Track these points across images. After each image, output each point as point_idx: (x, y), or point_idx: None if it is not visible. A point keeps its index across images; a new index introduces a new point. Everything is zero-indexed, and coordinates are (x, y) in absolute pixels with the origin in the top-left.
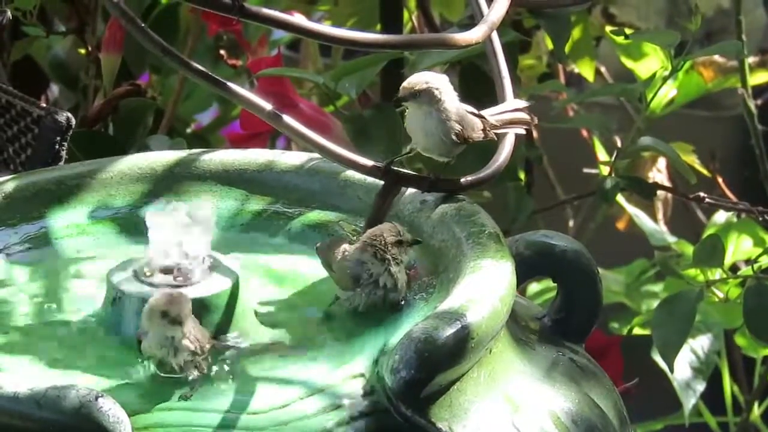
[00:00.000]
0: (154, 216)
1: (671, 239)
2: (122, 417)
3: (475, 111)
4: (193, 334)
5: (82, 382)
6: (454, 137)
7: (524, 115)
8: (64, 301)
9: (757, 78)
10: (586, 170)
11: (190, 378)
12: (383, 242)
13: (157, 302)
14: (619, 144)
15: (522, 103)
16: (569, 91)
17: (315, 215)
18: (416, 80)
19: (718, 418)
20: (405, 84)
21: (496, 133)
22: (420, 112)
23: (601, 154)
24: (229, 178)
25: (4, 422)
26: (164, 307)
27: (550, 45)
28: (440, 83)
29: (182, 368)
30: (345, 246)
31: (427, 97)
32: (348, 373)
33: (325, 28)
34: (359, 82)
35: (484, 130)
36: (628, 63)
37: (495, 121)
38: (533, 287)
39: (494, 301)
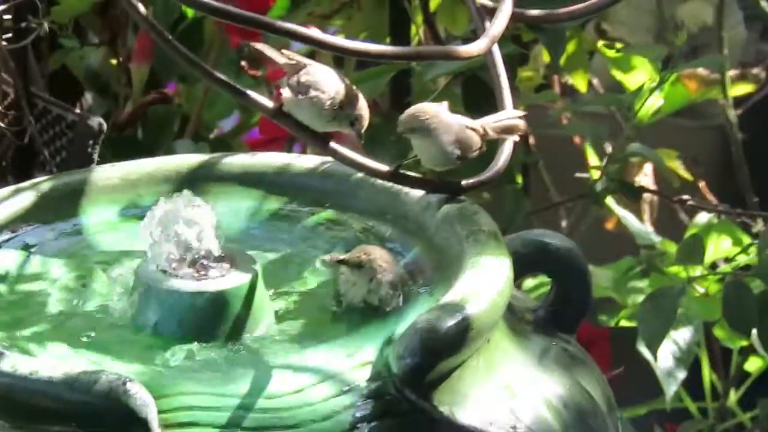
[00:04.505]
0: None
1: (656, 239)
2: (148, 400)
3: (473, 124)
4: (388, 274)
5: (111, 368)
6: (454, 159)
7: (520, 123)
8: (96, 292)
9: (737, 90)
10: (578, 174)
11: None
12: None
13: (352, 256)
14: (609, 150)
15: (518, 113)
16: (564, 101)
17: (327, 214)
18: (412, 116)
19: (698, 403)
20: (403, 119)
21: (495, 140)
22: (420, 143)
23: (593, 160)
24: (248, 180)
25: (40, 404)
26: (360, 260)
27: (546, 58)
28: (436, 114)
29: (384, 302)
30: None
31: (424, 131)
32: (357, 360)
33: (339, 40)
34: (370, 90)
35: (480, 146)
36: (619, 75)
37: (493, 128)
38: (529, 282)
39: (493, 294)
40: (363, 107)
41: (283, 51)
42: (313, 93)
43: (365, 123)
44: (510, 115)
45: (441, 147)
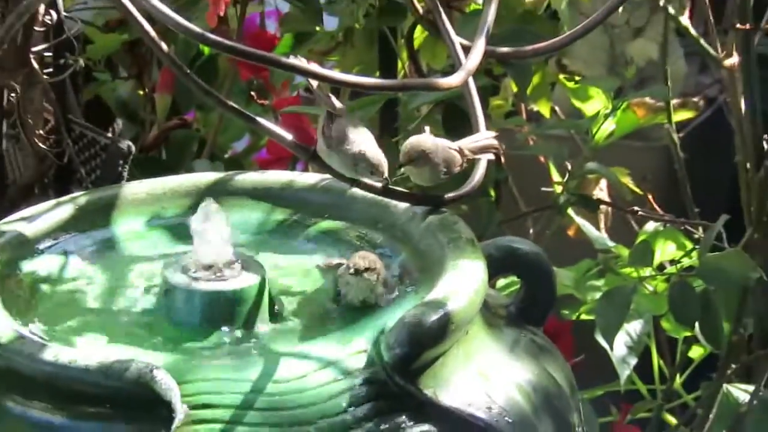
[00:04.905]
0: (197, 223)
1: (611, 244)
2: (172, 385)
3: (453, 145)
4: (381, 276)
5: (140, 357)
6: (441, 177)
7: (494, 143)
8: (126, 291)
9: (679, 116)
10: (543, 189)
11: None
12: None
13: (353, 262)
14: (569, 168)
15: (491, 134)
16: (530, 126)
17: (326, 224)
18: (412, 148)
19: (648, 386)
20: (404, 152)
21: (471, 159)
22: (418, 170)
23: (556, 176)
24: (257, 194)
25: (78, 389)
26: (359, 265)
27: (514, 88)
28: (431, 145)
29: (377, 300)
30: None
31: (423, 160)
32: (354, 349)
33: (336, 74)
34: (362, 117)
35: (461, 164)
36: (577, 103)
37: (470, 149)
38: (501, 282)
39: (470, 293)
40: (382, 159)
41: (327, 94)
42: (343, 147)
43: (384, 171)
44: (484, 136)
45: (434, 171)
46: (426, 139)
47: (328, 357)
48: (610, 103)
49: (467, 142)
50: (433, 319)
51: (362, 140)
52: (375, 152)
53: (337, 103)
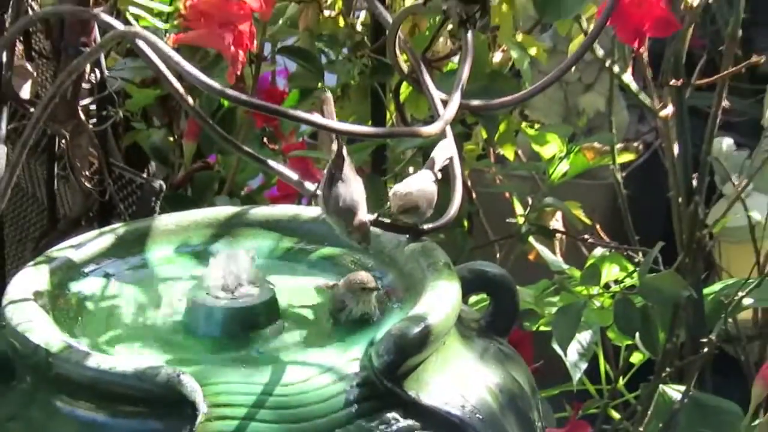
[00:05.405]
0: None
1: (565, 267)
2: (197, 388)
3: (431, 177)
4: (373, 294)
5: (168, 364)
6: (425, 217)
7: (449, 153)
8: (157, 308)
9: (621, 158)
10: (508, 220)
11: (376, 317)
12: (358, 284)
13: (360, 279)
14: (530, 202)
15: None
16: (497, 167)
17: (327, 250)
18: (405, 201)
19: (596, 386)
20: (398, 204)
21: (448, 194)
22: (407, 216)
23: (519, 209)
24: (269, 225)
25: (117, 391)
26: (360, 283)
27: (484, 135)
28: (419, 196)
29: (370, 315)
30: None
31: (412, 210)
32: (349, 357)
33: (335, 123)
34: (356, 159)
35: (438, 190)
36: (536, 147)
37: (439, 169)
38: (473, 299)
39: (447, 309)
40: (362, 222)
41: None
42: (333, 212)
43: (365, 235)
44: (444, 154)
45: (420, 215)
46: (414, 192)
47: (327, 364)
48: (565, 148)
49: (438, 164)
50: (415, 331)
51: (350, 206)
52: (359, 217)
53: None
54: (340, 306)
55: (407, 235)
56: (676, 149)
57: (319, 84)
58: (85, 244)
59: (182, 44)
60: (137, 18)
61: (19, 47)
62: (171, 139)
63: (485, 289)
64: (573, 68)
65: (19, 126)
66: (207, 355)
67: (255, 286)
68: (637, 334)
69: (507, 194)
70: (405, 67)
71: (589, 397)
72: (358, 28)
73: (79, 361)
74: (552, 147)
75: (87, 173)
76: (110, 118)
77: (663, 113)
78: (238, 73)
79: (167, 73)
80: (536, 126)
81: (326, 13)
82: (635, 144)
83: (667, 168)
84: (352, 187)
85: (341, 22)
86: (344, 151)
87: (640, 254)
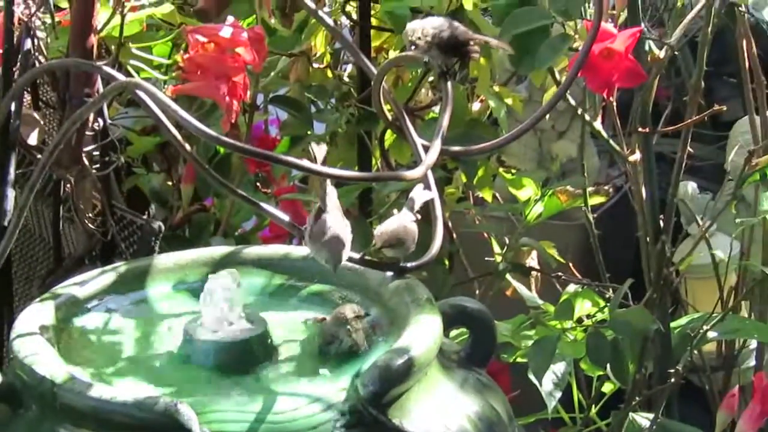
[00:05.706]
0: (211, 285)
1: (540, 302)
2: (192, 416)
3: (411, 216)
4: (361, 325)
5: (167, 393)
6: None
7: (428, 195)
8: (156, 341)
9: (593, 201)
10: (486, 258)
11: (362, 349)
12: (345, 317)
13: (343, 312)
14: (507, 242)
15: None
16: (476, 209)
17: (315, 287)
18: (390, 236)
19: (570, 414)
20: (384, 239)
21: (430, 234)
22: (393, 251)
23: (496, 248)
24: (261, 263)
25: (117, 419)
26: (348, 316)
27: (464, 179)
28: (403, 233)
29: (357, 346)
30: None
31: (398, 245)
32: (337, 387)
33: (323, 168)
34: (344, 202)
35: (420, 231)
36: (513, 190)
37: (419, 205)
38: (453, 333)
39: (429, 342)
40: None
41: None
42: (317, 246)
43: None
44: (421, 196)
45: (405, 251)
46: (398, 228)
47: (316, 394)
48: (539, 191)
49: (417, 205)
50: (399, 362)
51: (336, 236)
52: (339, 255)
53: (330, 190)
54: (330, 339)
55: (392, 273)
56: (644, 192)
57: (309, 132)
58: (89, 282)
59: (180, 95)
60: (138, 70)
61: (27, 98)
62: (170, 183)
63: (465, 323)
64: (547, 117)
65: (26, 171)
66: (203, 385)
67: (248, 320)
68: (608, 366)
69: (485, 234)
70: (389, 115)
71: (564, 425)
72: (345, 79)
73: (83, 392)
74: (528, 190)
75: (90, 215)
76: (112, 164)
77: (632, 158)
78: (233, 121)
79: (166, 122)
80: (513, 171)
81: (315, 65)
82: (606, 187)
83: (636, 210)
84: (338, 221)
85: (329, 74)
86: (330, 189)
87: (611, 290)
